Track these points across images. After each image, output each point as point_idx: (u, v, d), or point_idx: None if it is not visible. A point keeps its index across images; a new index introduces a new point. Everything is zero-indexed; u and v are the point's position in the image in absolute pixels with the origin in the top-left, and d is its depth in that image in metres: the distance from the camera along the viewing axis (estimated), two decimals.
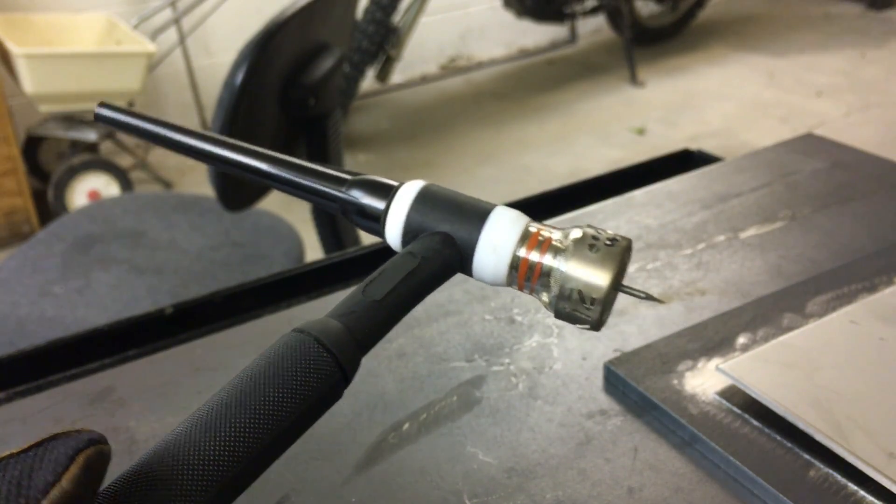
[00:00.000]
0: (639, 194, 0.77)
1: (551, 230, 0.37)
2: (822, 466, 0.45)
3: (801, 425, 0.46)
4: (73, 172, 2.29)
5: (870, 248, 0.67)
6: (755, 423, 0.48)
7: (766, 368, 0.50)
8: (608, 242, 0.36)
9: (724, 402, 0.50)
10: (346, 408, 0.53)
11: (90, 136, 2.31)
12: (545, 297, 0.37)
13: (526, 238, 0.37)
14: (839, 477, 0.44)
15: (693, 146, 0.92)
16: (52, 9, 2.55)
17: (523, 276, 0.37)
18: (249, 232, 1.24)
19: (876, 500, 0.43)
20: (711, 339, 0.56)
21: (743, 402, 0.49)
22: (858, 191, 0.76)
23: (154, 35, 2.46)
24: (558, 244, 0.36)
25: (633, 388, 0.52)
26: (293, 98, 1.06)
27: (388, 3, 2.70)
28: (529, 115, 3.01)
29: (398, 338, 0.59)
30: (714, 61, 3.37)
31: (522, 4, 3.14)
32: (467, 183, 2.56)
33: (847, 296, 0.59)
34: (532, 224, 0.38)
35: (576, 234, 0.36)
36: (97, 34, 2.48)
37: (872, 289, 0.60)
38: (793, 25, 3.70)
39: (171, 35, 2.65)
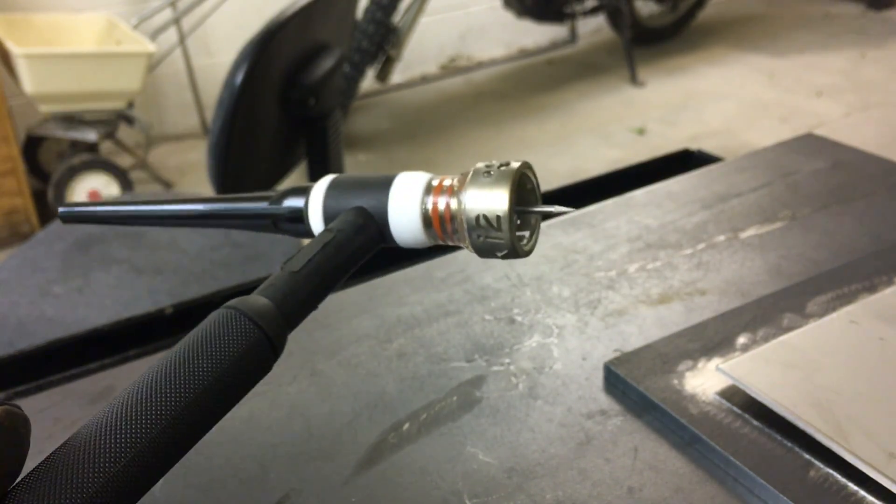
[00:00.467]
0: (639, 194, 0.77)
1: (452, 178, 0.39)
2: (822, 466, 0.45)
3: (801, 425, 0.46)
4: (73, 172, 2.29)
5: (870, 248, 0.67)
6: (755, 423, 0.48)
7: (766, 368, 0.50)
8: (501, 167, 0.37)
9: (724, 402, 0.50)
10: (346, 408, 0.53)
11: (90, 136, 2.31)
12: (466, 240, 0.38)
13: (430, 190, 0.39)
14: (839, 477, 0.44)
15: (693, 146, 0.92)
16: (52, 9, 2.55)
17: (439, 226, 0.38)
18: (249, 232, 1.24)
19: (876, 500, 0.43)
20: (711, 339, 0.56)
21: (743, 402, 0.49)
22: (858, 191, 0.76)
23: (154, 35, 2.46)
24: (457, 184, 0.38)
25: (633, 388, 0.52)
26: (293, 98, 1.06)
27: (388, 3, 2.70)
28: (529, 115, 3.01)
29: (398, 338, 0.59)
30: (714, 61, 3.37)
31: (522, 4, 3.14)
32: None
33: (847, 296, 0.59)
34: (435, 178, 0.39)
35: (471, 171, 0.38)
36: (97, 34, 2.48)
37: (872, 289, 0.60)
38: (793, 25, 3.70)
39: (171, 35, 2.65)
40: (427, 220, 0.39)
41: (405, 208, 0.39)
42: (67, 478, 0.28)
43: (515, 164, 0.37)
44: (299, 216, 0.42)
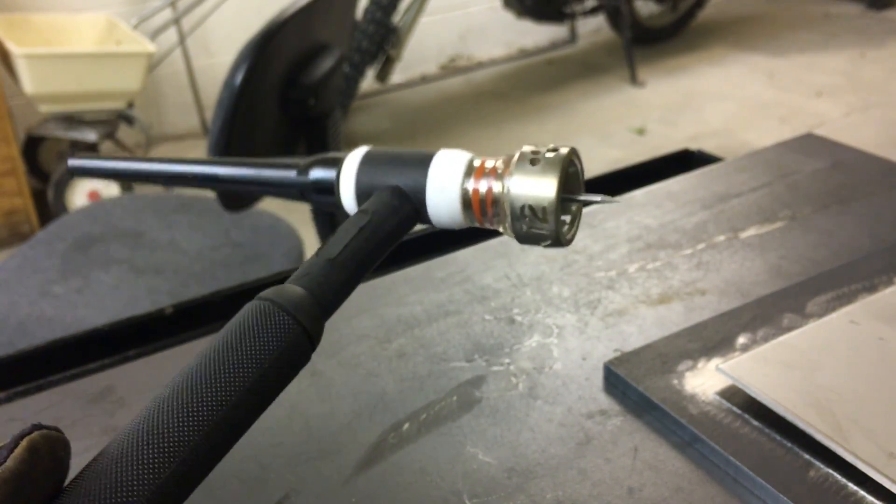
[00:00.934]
0: (639, 194, 0.77)
1: (495, 159, 0.37)
2: (822, 466, 0.45)
3: (801, 425, 0.46)
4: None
5: (870, 248, 0.67)
6: (755, 423, 0.48)
7: (766, 368, 0.50)
8: (549, 154, 0.36)
9: (724, 402, 0.50)
10: (346, 408, 0.53)
11: (90, 136, 2.31)
12: (505, 225, 0.37)
13: (471, 172, 0.37)
14: (839, 477, 0.44)
15: (693, 146, 0.92)
16: (52, 9, 2.55)
17: (478, 209, 0.37)
18: (249, 232, 1.24)
19: (876, 500, 0.43)
20: (711, 339, 0.56)
21: (743, 402, 0.49)
22: (858, 191, 0.76)
23: (154, 35, 2.46)
24: (502, 168, 0.37)
25: (633, 388, 0.52)
26: (293, 98, 1.06)
27: (388, 3, 2.70)
28: (529, 115, 3.01)
29: (398, 338, 0.59)
30: (714, 61, 3.37)
31: (522, 4, 3.14)
32: None
33: (847, 296, 0.59)
34: (476, 158, 0.38)
35: (517, 155, 0.36)
36: (97, 34, 2.48)
37: (872, 289, 0.60)
38: (793, 25, 3.70)
39: (171, 35, 2.65)
40: (467, 203, 0.37)
41: (445, 189, 0.38)
42: (110, 492, 0.27)
43: (564, 151, 0.36)
44: (329, 188, 0.41)
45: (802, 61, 3.30)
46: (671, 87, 3.15)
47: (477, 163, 0.38)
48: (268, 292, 0.34)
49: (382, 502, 0.46)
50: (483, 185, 0.37)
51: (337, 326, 0.61)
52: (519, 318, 0.61)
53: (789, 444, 0.46)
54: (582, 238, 0.70)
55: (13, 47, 2.10)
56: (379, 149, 0.41)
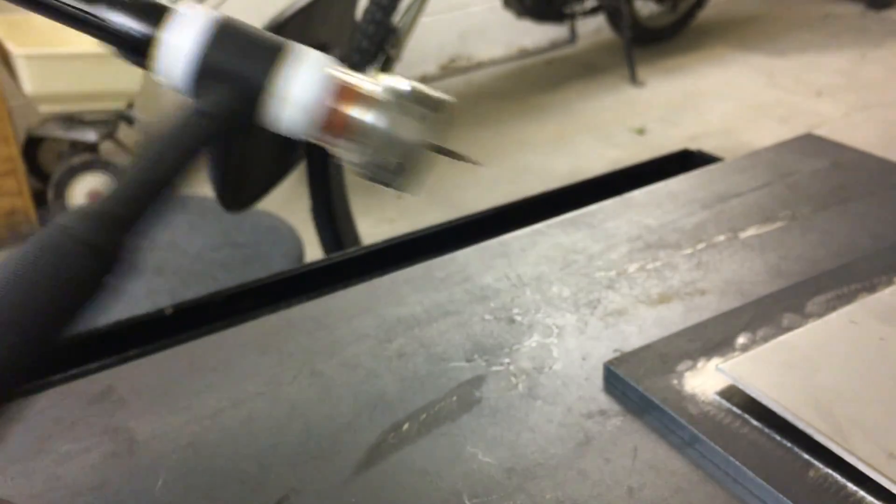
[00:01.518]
0: (639, 194, 0.77)
1: (359, 78, 0.34)
2: (822, 466, 0.45)
3: (801, 425, 0.46)
4: (73, 172, 2.29)
5: (870, 248, 0.67)
6: (755, 423, 0.48)
7: (766, 368, 0.50)
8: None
9: (724, 402, 0.50)
10: (345, 408, 0.53)
11: (90, 136, 2.31)
12: (352, 156, 0.33)
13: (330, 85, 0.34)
14: (839, 477, 0.44)
15: (693, 146, 0.92)
16: None
17: (329, 130, 0.34)
18: (249, 232, 1.24)
19: (876, 500, 0.43)
20: (711, 339, 0.56)
21: (743, 402, 0.49)
22: (858, 191, 0.76)
23: None
24: (371, 95, 0.33)
25: (633, 388, 0.52)
26: None
27: (388, 3, 2.70)
28: (529, 115, 3.01)
29: (398, 338, 0.59)
30: (714, 61, 3.36)
31: (522, 4, 3.14)
32: (467, 183, 2.56)
33: (847, 296, 0.59)
34: (336, 70, 0.34)
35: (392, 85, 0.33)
36: None
37: (872, 289, 0.60)
38: (793, 25, 3.70)
39: None
40: (321, 125, 0.33)
41: (302, 104, 0.33)
42: None
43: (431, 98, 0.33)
44: (141, 47, 0.33)
45: (802, 61, 3.30)
46: (671, 87, 3.15)
47: (341, 77, 0.33)
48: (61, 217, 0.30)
49: (382, 502, 0.46)
50: (346, 109, 0.33)
51: (337, 326, 0.61)
52: (519, 318, 0.61)
53: (789, 444, 0.46)
54: (582, 238, 0.70)
55: (13, 48, 2.10)
56: (227, 22, 0.34)
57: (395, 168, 0.32)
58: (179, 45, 0.32)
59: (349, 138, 0.33)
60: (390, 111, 0.32)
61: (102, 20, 0.33)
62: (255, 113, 0.33)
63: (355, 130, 0.33)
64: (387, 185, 0.33)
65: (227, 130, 0.33)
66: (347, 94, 0.33)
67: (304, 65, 0.33)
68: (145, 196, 0.31)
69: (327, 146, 0.34)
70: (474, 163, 0.35)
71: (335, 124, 0.33)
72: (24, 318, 0.28)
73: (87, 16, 0.33)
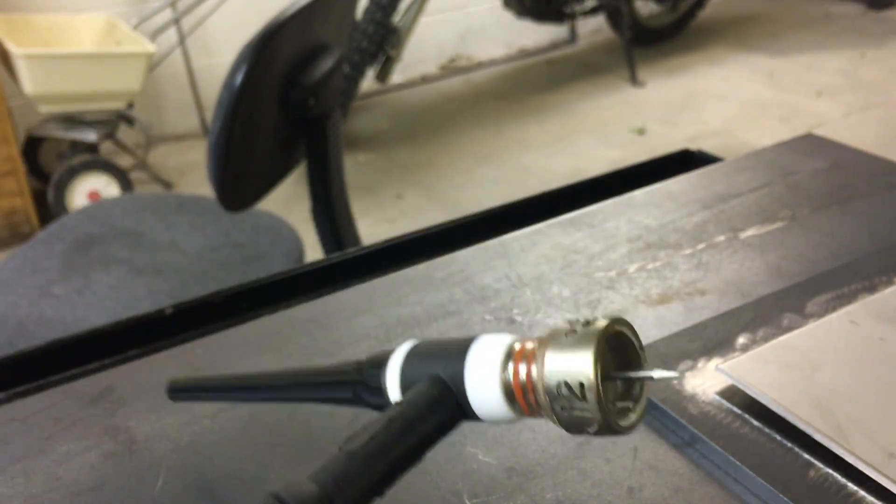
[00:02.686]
0: (639, 194, 0.77)
1: (535, 340, 0.33)
2: (822, 466, 0.45)
3: (801, 425, 0.46)
4: (73, 173, 2.29)
5: (870, 248, 0.67)
6: (755, 423, 0.48)
7: (766, 368, 0.50)
8: (584, 324, 0.32)
9: (724, 402, 0.50)
10: (346, 408, 0.53)
11: (90, 136, 2.31)
12: (550, 413, 0.32)
13: (511, 355, 0.33)
14: (839, 477, 0.44)
15: (693, 146, 0.92)
16: (52, 9, 2.55)
17: (522, 398, 0.33)
18: (249, 232, 1.24)
19: (876, 500, 0.43)
20: (711, 339, 0.56)
21: (743, 402, 0.49)
22: (858, 191, 0.76)
23: (154, 35, 2.46)
24: (538, 347, 0.32)
25: None
26: (293, 98, 1.06)
27: (388, 3, 2.70)
28: (529, 115, 3.01)
29: (398, 338, 0.59)
30: (714, 61, 3.37)
31: (522, 4, 3.14)
32: (467, 183, 2.56)
33: (847, 296, 0.59)
34: (518, 340, 0.34)
35: (550, 331, 0.32)
36: (97, 34, 2.48)
37: (872, 289, 0.60)
38: (793, 25, 3.70)
39: (171, 35, 2.65)
40: (509, 392, 0.33)
41: (484, 377, 0.33)
42: None
43: (604, 322, 0.32)
44: (380, 388, 0.37)
45: (802, 61, 3.30)
46: (671, 87, 3.15)
47: (518, 346, 0.33)
48: (281, 490, 0.31)
49: (382, 502, 0.46)
50: (522, 370, 0.32)
51: (337, 326, 0.61)
52: (519, 318, 0.61)
53: (789, 444, 0.46)
54: (582, 238, 0.70)
55: (13, 48, 2.10)
56: (428, 341, 0.37)
57: (586, 407, 0.31)
58: (392, 374, 0.37)
59: (539, 399, 0.32)
60: (550, 353, 0.32)
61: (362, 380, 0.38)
62: (456, 401, 0.34)
63: (535, 387, 0.32)
64: (585, 426, 0.32)
65: (432, 414, 0.34)
66: (521, 356, 0.33)
67: (479, 346, 0.34)
68: (376, 489, 0.33)
69: (541, 417, 0.33)
70: (670, 377, 0.33)
71: (521, 390, 0.33)
72: None
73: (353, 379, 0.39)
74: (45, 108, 2.24)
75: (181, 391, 0.49)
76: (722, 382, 0.51)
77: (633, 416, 0.33)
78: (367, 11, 2.70)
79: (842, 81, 3.09)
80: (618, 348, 0.33)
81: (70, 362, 0.63)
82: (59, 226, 1.27)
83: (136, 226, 1.26)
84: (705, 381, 0.52)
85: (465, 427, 0.51)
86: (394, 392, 0.37)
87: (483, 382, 0.33)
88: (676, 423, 0.49)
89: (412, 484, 0.47)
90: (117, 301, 1.09)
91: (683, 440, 0.49)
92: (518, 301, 0.63)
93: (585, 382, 0.30)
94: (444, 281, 0.66)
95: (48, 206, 2.31)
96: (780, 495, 0.43)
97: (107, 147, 2.55)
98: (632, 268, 0.66)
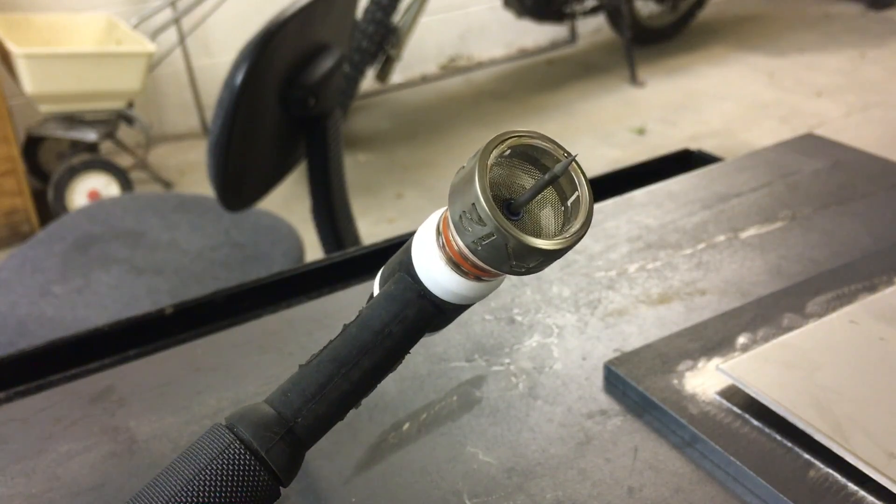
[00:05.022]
0: (639, 194, 0.77)
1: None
2: (822, 466, 0.45)
3: (801, 425, 0.46)
4: (73, 172, 2.29)
5: (870, 248, 0.67)
6: (755, 423, 0.48)
7: (766, 368, 0.50)
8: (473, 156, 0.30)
9: (724, 402, 0.50)
10: None
11: (90, 136, 2.31)
12: (473, 256, 0.31)
13: (440, 229, 0.33)
14: (839, 477, 0.44)
15: (693, 146, 0.92)
16: (52, 9, 2.55)
17: (462, 259, 0.32)
18: (249, 232, 1.24)
19: (876, 500, 0.43)
20: (711, 339, 0.56)
21: (743, 402, 0.49)
22: (858, 191, 0.76)
23: (154, 35, 2.46)
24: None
25: (633, 388, 0.52)
26: (293, 98, 1.06)
27: (388, 3, 2.70)
28: (529, 115, 3.01)
29: None
30: (714, 61, 3.36)
31: (522, 4, 3.14)
32: None
33: (847, 296, 0.59)
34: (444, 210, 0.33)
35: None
36: (97, 34, 2.48)
37: (872, 289, 0.60)
38: (793, 25, 3.70)
39: (171, 35, 2.64)
40: (452, 261, 0.32)
41: (426, 256, 0.33)
42: None
43: (490, 146, 0.30)
44: None
45: (802, 61, 3.30)
46: (671, 87, 3.15)
47: (442, 216, 0.33)
48: (233, 416, 0.30)
49: (382, 502, 0.46)
50: (451, 233, 0.32)
51: (337, 326, 0.61)
52: (519, 318, 0.61)
53: (789, 444, 0.46)
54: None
55: (13, 47, 2.10)
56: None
57: (486, 228, 0.29)
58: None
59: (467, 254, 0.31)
60: (452, 193, 0.31)
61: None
62: (419, 293, 0.33)
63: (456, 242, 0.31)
64: (513, 264, 0.30)
65: (414, 315, 0.33)
66: (445, 222, 0.32)
67: (422, 228, 0.34)
68: (340, 401, 0.32)
69: (489, 277, 0.33)
70: (571, 157, 0.31)
71: (457, 254, 0.32)
72: None
73: None
74: (45, 108, 2.24)
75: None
76: (722, 382, 0.51)
77: (570, 231, 0.30)
78: (367, 11, 2.70)
79: (842, 81, 3.09)
80: (532, 160, 0.31)
81: (70, 362, 0.63)
82: (59, 225, 1.27)
83: (136, 225, 1.26)
84: (705, 381, 0.52)
85: (466, 427, 0.51)
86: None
87: (428, 262, 0.33)
88: (676, 423, 0.49)
89: (412, 484, 0.47)
90: (117, 301, 1.09)
91: (683, 440, 0.49)
92: (518, 301, 0.63)
93: (476, 202, 0.29)
94: None
95: (48, 206, 2.31)
96: (780, 495, 0.43)
97: (107, 147, 2.55)
98: (632, 268, 0.66)
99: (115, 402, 0.55)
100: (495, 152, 0.30)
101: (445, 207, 0.33)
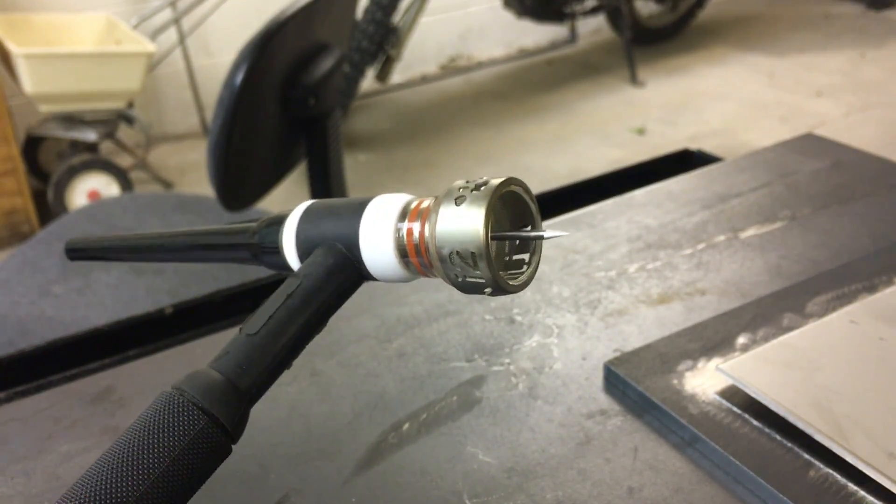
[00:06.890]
0: (639, 194, 0.77)
1: (431, 199, 0.32)
2: (822, 466, 0.45)
3: (801, 425, 0.46)
4: (73, 172, 2.29)
5: (870, 248, 0.67)
6: (755, 423, 0.48)
7: (766, 368, 0.50)
8: (475, 188, 0.30)
9: (724, 402, 0.50)
10: (346, 408, 0.53)
11: (90, 136, 2.31)
12: (444, 277, 0.32)
13: (405, 215, 0.32)
14: (839, 477, 0.44)
15: (693, 146, 0.92)
16: (52, 9, 2.55)
17: (414, 256, 0.32)
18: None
19: (876, 500, 0.43)
20: (711, 339, 0.56)
21: (743, 402, 0.49)
22: (858, 191, 0.76)
23: (154, 35, 2.46)
24: (429, 208, 0.32)
25: (633, 388, 0.52)
26: (293, 98, 1.06)
27: (388, 3, 2.70)
28: (529, 115, 3.01)
29: (398, 338, 0.59)
30: (714, 61, 3.36)
31: (522, 4, 3.14)
32: None
33: (847, 296, 0.59)
34: (415, 200, 0.33)
35: (444, 192, 0.31)
36: (97, 34, 2.48)
37: (872, 289, 0.60)
38: (793, 25, 3.70)
39: (171, 35, 2.65)
40: (403, 252, 0.32)
41: (377, 238, 0.33)
42: None
43: (495, 182, 0.31)
44: (276, 249, 0.37)
45: (802, 61, 3.30)
46: (671, 87, 3.15)
47: (413, 204, 0.33)
48: (181, 381, 0.32)
49: (382, 502, 0.46)
50: (416, 229, 0.32)
51: (337, 326, 0.61)
52: (519, 318, 0.61)
53: (789, 444, 0.46)
54: (582, 238, 0.70)
55: (13, 47, 2.10)
56: (320, 202, 0.36)
57: (478, 273, 0.30)
58: (287, 239, 0.36)
59: (432, 261, 0.32)
60: (442, 216, 0.31)
61: (259, 241, 0.38)
62: (353, 266, 0.34)
63: (427, 249, 0.32)
64: (479, 289, 0.31)
65: (332, 285, 0.34)
66: (415, 216, 0.32)
67: (374, 207, 0.34)
68: (278, 365, 0.33)
69: (433, 276, 0.33)
70: (557, 235, 0.34)
71: (414, 250, 0.32)
72: (149, 485, 0.30)
73: (249, 241, 0.39)
74: (45, 108, 2.24)
75: (79, 251, 0.47)
76: (722, 382, 0.51)
77: (524, 273, 0.32)
78: (367, 11, 2.70)
79: (842, 81, 3.09)
80: (511, 203, 0.32)
81: (70, 362, 0.63)
82: (59, 225, 1.27)
83: (136, 225, 1.26)
84: (705, 381, 0.52)
85: (466, 427, 0.51)
86: (291, 257, 0.37)
87: (377, 242, 0.33)
88: (676, 423, 0.49)
89: (412, 484, 0.47)
90: (117, 301, 1.09)
91: (683, 440, 0.49)
92: (518, 301, 0.63)
93: (476, 251, 0.30)
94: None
95: (48, 206, 2.31)
96: (780, 495, 0.43)
97: (107, 147, 2.55)
98: (632, 268, 0.66)
99: (115, 402, 0.55)
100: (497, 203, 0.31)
101: (405, 195, 0.33)
